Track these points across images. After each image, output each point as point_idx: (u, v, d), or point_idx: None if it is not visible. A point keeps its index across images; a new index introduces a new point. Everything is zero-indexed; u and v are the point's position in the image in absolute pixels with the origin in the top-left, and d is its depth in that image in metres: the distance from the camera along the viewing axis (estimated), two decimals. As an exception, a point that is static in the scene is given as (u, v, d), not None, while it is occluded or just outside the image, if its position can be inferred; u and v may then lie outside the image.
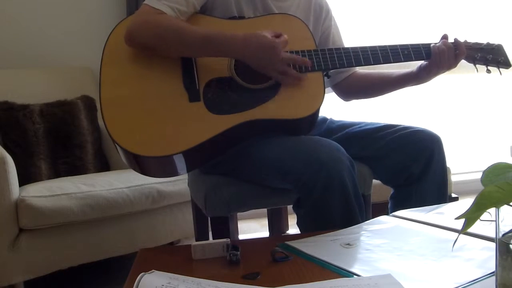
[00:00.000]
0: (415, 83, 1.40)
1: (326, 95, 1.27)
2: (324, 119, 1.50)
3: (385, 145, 1.35)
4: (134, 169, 1.27)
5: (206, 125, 1.19)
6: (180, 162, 1.22)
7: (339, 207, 1.13)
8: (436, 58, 1.31)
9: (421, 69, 1.35)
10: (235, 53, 1.22)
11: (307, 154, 1.14)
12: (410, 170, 1.32)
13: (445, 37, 1.34)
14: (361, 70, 1.52)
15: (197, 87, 1.23)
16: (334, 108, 1.73)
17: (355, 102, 1.61)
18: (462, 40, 1.36)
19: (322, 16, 1.46)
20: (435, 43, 1.34)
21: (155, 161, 1.19)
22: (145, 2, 1.27)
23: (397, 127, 1.37)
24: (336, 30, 1.51)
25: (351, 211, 1.14)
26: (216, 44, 1.20)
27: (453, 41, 1.34)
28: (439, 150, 1.33)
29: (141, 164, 1.23)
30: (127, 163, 1.26)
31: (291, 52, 1.26)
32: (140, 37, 1.23)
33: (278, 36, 1.23)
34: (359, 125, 1.43)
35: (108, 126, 1.17)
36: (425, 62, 1.34)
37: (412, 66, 1.39)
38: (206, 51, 1.23)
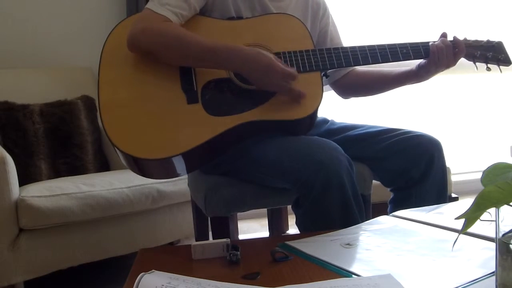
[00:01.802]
0: (415, 82, 1.39)
1: (325, 93, 1.27)
2: (325, 120, 1.50)
3: (385, 148, 1.35)
4: (134, 171, 1.27)
5: (205, 127, 1.19)
6: (179, 164, 1.22)
7: (337, 207, 1.13)
8: (435, 57, 1.30)
9: (420, 67, 1.35)
10: (236, 67, 1.22)
11: (306, 154, 1.14)
12: (410, 174, 1.32)
13: (444, 35, 1.34)
14: (360, 67, 1.51)
15: (195, 89, 1.23)
16: (335, 109, 1.73)
17: (355, 104, 1.61)
18: (461, 37, 1.36)
19: (320, 14, 1.46)
20: (434, 42, 1.33)
21: (154, 163, 1.19)
22: (147, 6, 1.25)
23: (398, 131, 1.37)
24: (334, 28, 1.51)
25: (350, 211, 1.14)
26: (218, 57, 1.20)
27: (452, 39, 1.34)
28: (439, 154, 1.33)
29: (141, 167, 1.22)
30: (127, 166, 1.26)
31: (289, 52, 1.27)
32: (143, 44, 1.22)
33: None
34: (359, 128, 1.43)
35: (107, 129, 1.17)
36: (424, 61, 1.34)
37: (409, 64, 1.38)
38: (209, 63, 1.23)
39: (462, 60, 1.36)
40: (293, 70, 1.21)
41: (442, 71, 1.34)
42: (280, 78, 1.19)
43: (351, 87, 1.52)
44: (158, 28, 1.21)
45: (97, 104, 1.22)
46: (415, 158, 1.31)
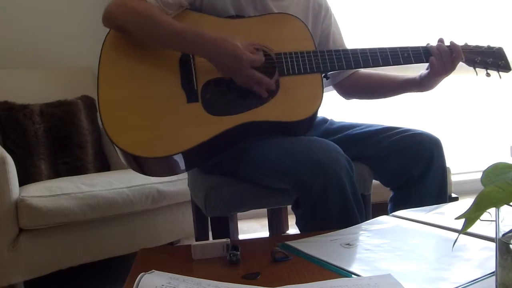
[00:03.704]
0: (418, 91, 1.39)
1: (326, 93, 1.27)
2: (324, 120, 1.50)
3: (385, 147, 1.35)
4: (134, 169, 1.27)
5: (204, 126, 1.19)
6: (179, 162, 1.22)
7: (337, 207, 1.13)
8: (434, 68, 1.30)
9: (422, 78, 1.35)
10: (203, 53, 1.21)
11: (305, 155, 1.14)
12: (410, 172, 1.32)
13: (441, 41, 1.34)
14: (364, 70, 1.51)
15: (195, 88, 1.23)
16: (334, 108, 1.73)
17: (355, 104, 1.60)
18: (462, 43, 1.36)
19: (321, 14, 1.46)
20: (432, 45, 1.33)
21: (154, 161, 1.19)
22: None
23: (397, 130, 1.37)
24: (336, 28, 1.51)
25: (350, 210, 1.14)
26: (186, 40, 1.20)
27: (448, 44, 1.34)
28: (438, 153, 1.33)
29: (140, 165, 1.23)
30: (127, 164, 1.26)
31: (290, 53, 1.27)
32: (116, 20, 1.23)
33: (256, 48, 1.22)
34: (359, 127, 1.43)
35: (106, 127, 1.17)
36: (425, 72, 1.33)
37: (416, 68, 1.38)
38: (176, 46, 1.23)
39: (462, 62, 1.36)
40: (259, 55, 1.22)
41: (443, 78, 1.34)
42: (247, 65, 1.19)
43: (354, 89, 1.52)
44: (132, 6, 1.22)
45: (96, 103, 1.22)
46: (415, 156, 1.31)
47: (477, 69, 1.37)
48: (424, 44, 1.35)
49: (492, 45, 1.37)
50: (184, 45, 1.22)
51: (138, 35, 1.23)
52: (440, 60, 1.30)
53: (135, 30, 1.22)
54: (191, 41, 1.20)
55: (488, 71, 1.36)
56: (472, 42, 1.38)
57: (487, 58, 1.35)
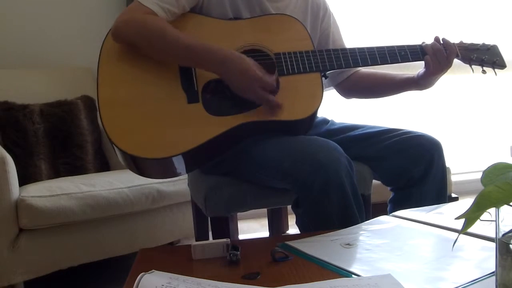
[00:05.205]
0: (417, 89, 1.40)
1: (326, 92, 1.27)
2: (325, 120, 1.50)
3: (386, 148, 1.35)
4: (132, 171, 1.26)
5: (205, 126, 1.19)
6: (179, 164, 1.22)
7: (337, 207, 1.13)
8: (429, 67, 1.31)
9: (419, 77, 1.36)
10: (214, 69, 1.20)
11: (305, 154, 1.14)
12: (411, 173, 1.32)
13: (436, 39, 1.35)
14: (364, 69, 1.52)
15: (196, 88, 1.23)
16: (335, 109, 1.73)
17: (356, 104, 1.61)
18: (458, 40, 1.37)
19: (320, 15, 1.46)
20: (427, 44, 1.34)
21: (153, 163, 1.19)
22: None
23: (399, 131, 1.37)
24: (336, 28, 1.51)
25: (349, 210, 1.14)
26: (197, 56, 1.19)
27: (441, 41, 1.34)
28: (439, 155, 1.33)
29: (139, 166, 1.22)
30: (125, 165, 1.25)
31: (289, 53, 1.27)
32: (126, 35, 1.22)
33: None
34: (360, 128, 1.43)
35: (106, 127, 1.17)
36: (422, 71, 1.34)
37: (416, 67, 1.39)
38: (186, 61, 1.23)
39: (459, 61, 1.37)
40: (272, 80, 1.20)
41: (440, 75, 1.35)
42: (257, 85, 1.17)
43: (354, 89, 1.52)
44: (142, 20, 1.21)
45: (96, 103, 1.22)
46: (416, 158, 1.32)
47: (473, 66, 1.38)
48: (420, 43, 1.36)
49: (486, 42, 1.39)
50: (194, 61, 1.21)
51: (147, 49, 1.22)
52: (435, 58, 1.31)
53: (146, 46, 1.22)
54: (200, 57, 1.19)
55: (484, 68, 1.37)
56: (468, 40, 1.39)
57: (483, 55, 1.36)
